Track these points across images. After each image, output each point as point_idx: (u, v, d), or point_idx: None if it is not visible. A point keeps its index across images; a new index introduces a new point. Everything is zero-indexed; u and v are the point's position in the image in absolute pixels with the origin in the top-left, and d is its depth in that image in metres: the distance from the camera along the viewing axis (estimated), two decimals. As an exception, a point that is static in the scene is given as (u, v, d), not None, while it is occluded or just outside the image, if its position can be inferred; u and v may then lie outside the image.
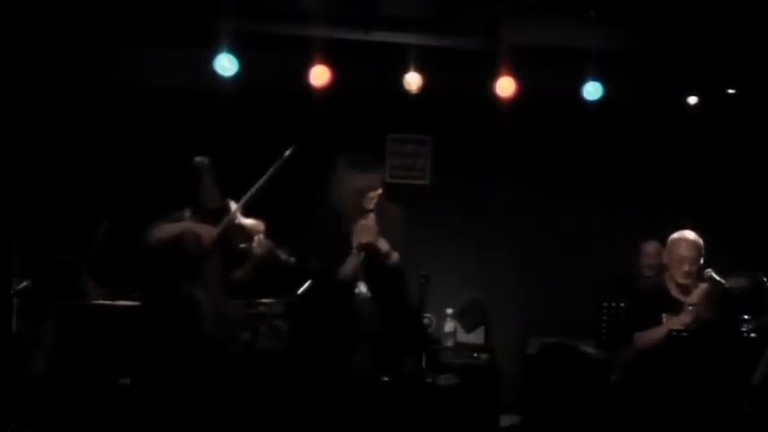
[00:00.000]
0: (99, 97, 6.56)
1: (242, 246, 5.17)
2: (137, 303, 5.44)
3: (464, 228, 7.12)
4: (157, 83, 6.59)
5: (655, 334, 4.77)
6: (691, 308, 4.74)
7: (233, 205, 5.11)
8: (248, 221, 5.18)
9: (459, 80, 6.60)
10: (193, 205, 5.29)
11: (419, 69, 6.23)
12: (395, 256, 4.79)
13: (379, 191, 4.80)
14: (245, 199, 5.03)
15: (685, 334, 4.66)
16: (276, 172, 4.92)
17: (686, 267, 4.85)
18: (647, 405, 4.67)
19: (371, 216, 4.78)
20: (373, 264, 4.78)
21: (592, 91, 6.38)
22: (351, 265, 4.80)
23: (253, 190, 4.99)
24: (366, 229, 4.75)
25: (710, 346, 4.65)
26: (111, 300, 5.43)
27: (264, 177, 4.95)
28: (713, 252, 5.04)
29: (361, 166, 4.76)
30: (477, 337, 6.99)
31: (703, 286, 4.88)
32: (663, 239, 5.21)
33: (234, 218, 5.04)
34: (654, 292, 5.00)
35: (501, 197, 7.08)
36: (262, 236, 5.22)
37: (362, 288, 4.84)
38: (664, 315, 4.84)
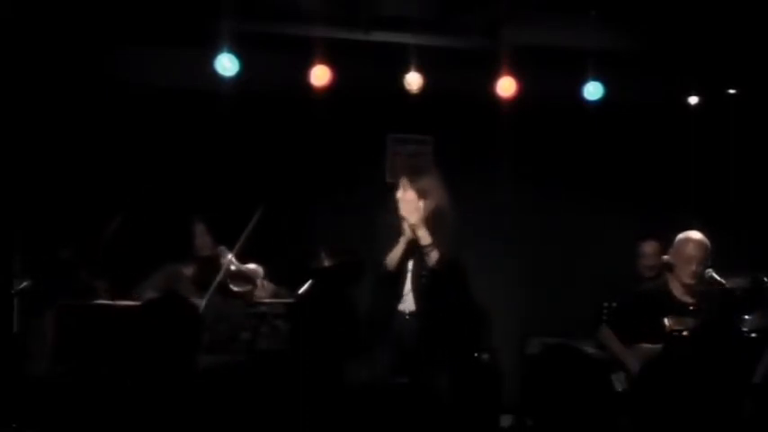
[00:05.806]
0: (99, 97, 6.56)
1: (245, 290, 5.41)
2: (137, 303, 5.44)
3: (464, 228, 7.09)
4: (157, 83, 6.58)
5: (617, 349, 4.84)
6: (692, 308, 4.73)
7: (226, 254, 5.44)
8: (247, 267, 5.46)
9: (459, 80, 6.59)
10: (187, 257, 5.72)
11: (419, 69, 6.23)
12: (434, 255, 4.64)
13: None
14: (236, 249, 5.36)
15: (685, 334, 4.66)
16: (257, 221, 5.27)
17: (693, 267, 4.82)
18: (648, 405, 4.66)
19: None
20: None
21: (592, 91, 6.38)
22: (395, 254, 4.69)
23: (242, 238, 5.33)
24: (409, 205, 4.57)
25: (710, 346, 4.65)
26: (112, 300, 5.43)
27: (249, 227, 5.29)
28: (714, 252, 5.03)
29: None
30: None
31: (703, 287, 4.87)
32: (662, 240, 5.20)
33: (229, 268, 5.36)
34: (656, 294, 4.95)
35: (501, 197, 7.08)
36: (264, 281, 5.52)
37: (409, 301, 4.74)
38: (666, 319, 4.79)
